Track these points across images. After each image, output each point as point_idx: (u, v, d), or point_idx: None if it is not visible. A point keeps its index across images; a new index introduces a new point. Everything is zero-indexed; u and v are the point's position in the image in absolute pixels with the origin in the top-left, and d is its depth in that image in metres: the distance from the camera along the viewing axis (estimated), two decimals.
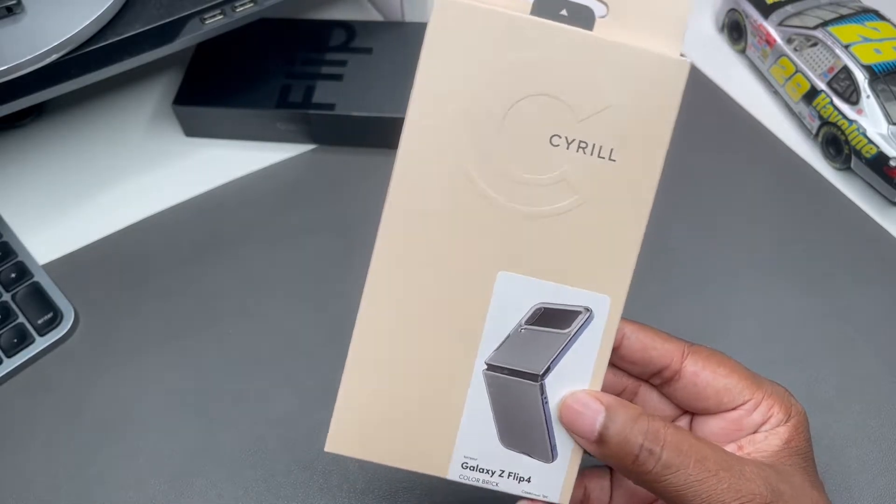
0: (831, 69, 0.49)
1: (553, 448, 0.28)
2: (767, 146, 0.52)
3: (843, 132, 0.48)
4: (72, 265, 0.48)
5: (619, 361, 0.30)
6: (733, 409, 0.29)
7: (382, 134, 0.51)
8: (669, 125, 0.27)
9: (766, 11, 0.54)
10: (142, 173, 0.53)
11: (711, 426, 0.30)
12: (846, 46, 0.49)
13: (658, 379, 0.31)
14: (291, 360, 0.44)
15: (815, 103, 0.50)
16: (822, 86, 0.50)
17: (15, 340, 0.44)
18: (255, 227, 0.49)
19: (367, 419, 0.28)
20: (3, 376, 0.43)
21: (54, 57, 0.42)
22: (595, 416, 0.27)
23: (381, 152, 0.52)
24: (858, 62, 0.48)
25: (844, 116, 0.48)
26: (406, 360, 0.28)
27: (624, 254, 0.27)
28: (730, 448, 0.29)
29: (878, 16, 0.52)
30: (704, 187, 0.50)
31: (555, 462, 0.28)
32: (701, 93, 0.55)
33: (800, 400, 0.30)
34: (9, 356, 0.44)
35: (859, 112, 0.48)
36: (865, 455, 0.39)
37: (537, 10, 0.27)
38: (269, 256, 0.48)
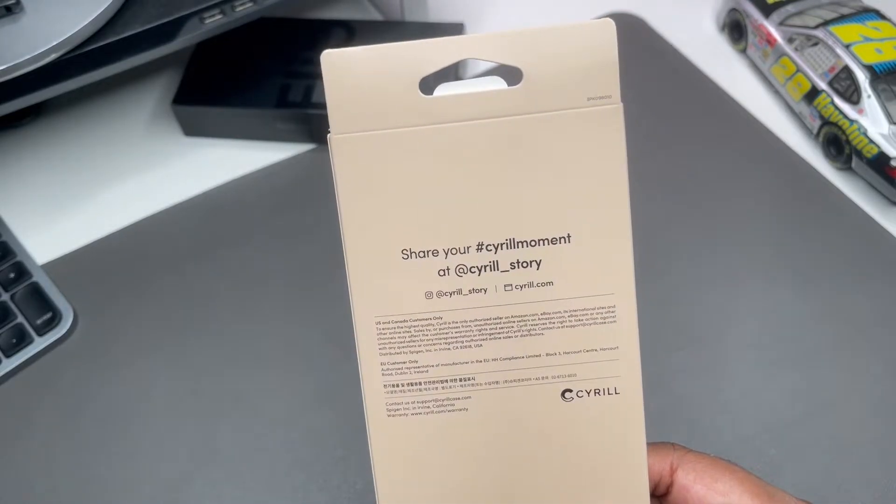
0: (832, 69, 0.49)
1: None
2: (768, 146, 0.52)
3: (843, 132, 0.48)
4: (71, 265, 0.48)
5: None
6: None
7: None
8: None
9: (767, 11, 0.54)
10: (141, 173, 0.52)
11: None
12: (847, 46, 0.49)
13: (654, 493, 0.27)
14: (291, 361, 0.44)
15: (815, 103, 0.50)
16: (822, 85, 0.50)
17: (14, 340, 0.44)
18: (255, 227, 0.49)
19: None
20: (2, 376, 0.43)
21: (53, 56, 0.42)
22: None
23: None
24: (859, 62, 0.48)
25: (845, 116, 0.48)
26: None
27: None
28: None
29: (879, 15, 0.51)
30: (705, 187, 0.50)
31: None
32: (701, 93, 0.55)
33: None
34: (8, 356, 0.44)
35: (860, 112, 0.48)
36: (865, 455, 0.39)
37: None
38: (269, 256, 0.48)
